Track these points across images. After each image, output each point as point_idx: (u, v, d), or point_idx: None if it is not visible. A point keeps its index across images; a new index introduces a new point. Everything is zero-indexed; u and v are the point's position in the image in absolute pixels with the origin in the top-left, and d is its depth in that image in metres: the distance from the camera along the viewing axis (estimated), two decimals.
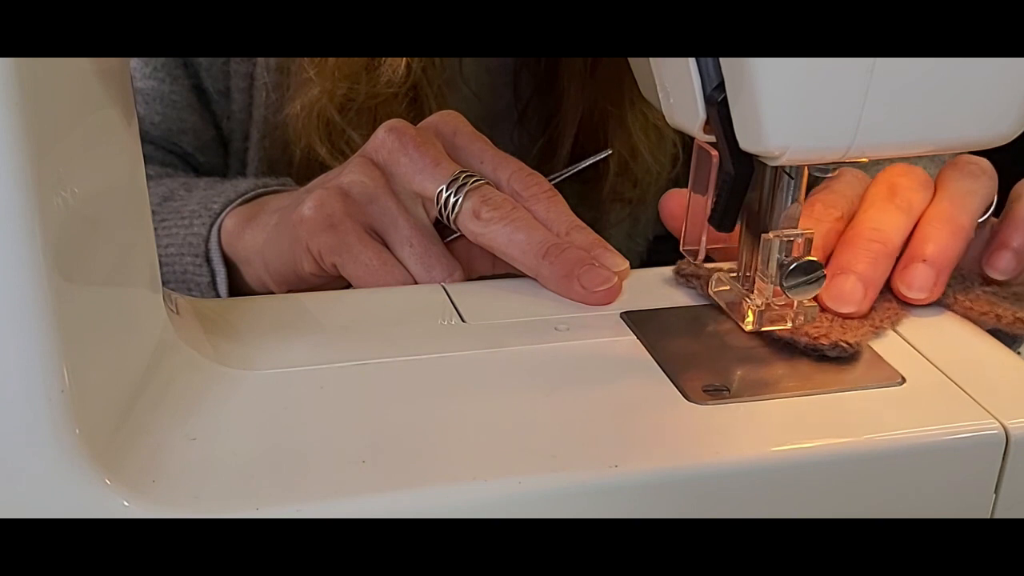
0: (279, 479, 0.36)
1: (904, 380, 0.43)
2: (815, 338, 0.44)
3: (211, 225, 0.60)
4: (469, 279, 0.54)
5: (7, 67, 0.31)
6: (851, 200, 0.51)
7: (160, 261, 0.59)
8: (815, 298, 0.46)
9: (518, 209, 0.52)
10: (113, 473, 0.35)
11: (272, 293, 0.58)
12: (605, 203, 0.76)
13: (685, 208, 0.47)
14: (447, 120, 0.56)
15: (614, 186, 0.75)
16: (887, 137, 0.39)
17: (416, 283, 0.53)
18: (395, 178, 0.54)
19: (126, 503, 0.35)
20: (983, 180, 0.51)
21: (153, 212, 0.61)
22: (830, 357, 0.44)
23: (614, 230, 0.79)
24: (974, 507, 0.41)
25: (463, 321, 0.47)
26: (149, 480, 0.36)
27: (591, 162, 0.63)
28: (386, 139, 0.54)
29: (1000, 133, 0.40)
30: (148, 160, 0.69)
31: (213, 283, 0.60)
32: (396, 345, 0.45)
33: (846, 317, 0.46)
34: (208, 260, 0.60)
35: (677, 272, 0.51)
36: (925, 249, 0.48)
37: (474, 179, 0.52)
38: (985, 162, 0.52)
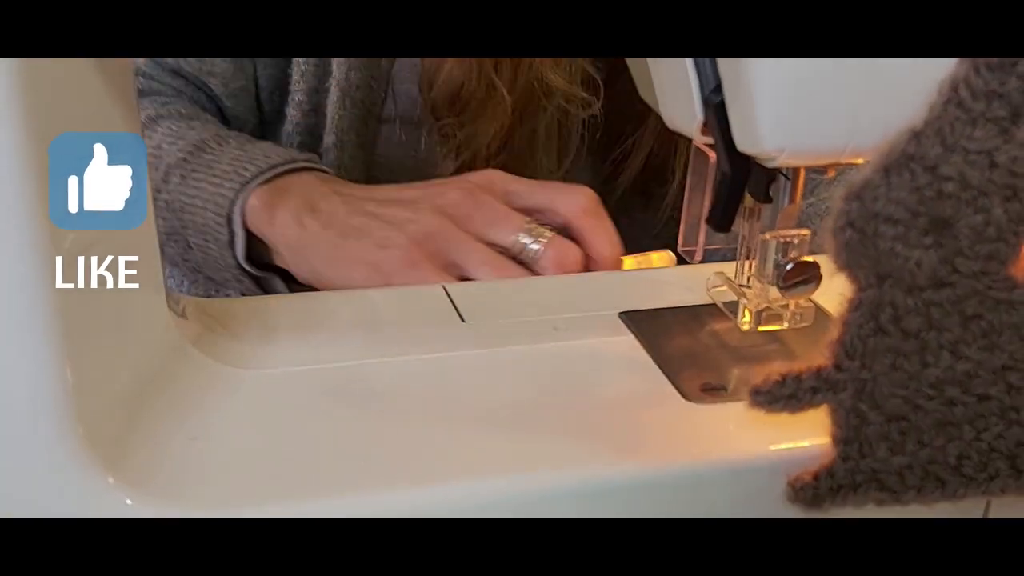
0: (279, 479, 0.37)
1: None
2: None
3: (239, 191, 0.61)
4: None
5: (7, 67, 0.31)
6: None
7: (184, 206, 0.61)
8: None
9: None
10: (116, 472, 0.35)
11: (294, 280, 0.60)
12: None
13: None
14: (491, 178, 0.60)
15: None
16: (884, 138, 0.39)
17: None
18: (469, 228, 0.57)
19: (129, 502, 0.35)
20: None
21: (184, 159, 0.63)
22: None
23: None
24: (969, 507, 0.41)
25: (463, 321, 0.48)
26: (151, 479, 0.36)
27: None
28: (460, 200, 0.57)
29: None
30: (179, 94, 0.70)
31: (231, 243, 0.61)
32: (396, 345, 0.45)
33: None
34: (229, 222, 0.61)
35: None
36: None
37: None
38: None
